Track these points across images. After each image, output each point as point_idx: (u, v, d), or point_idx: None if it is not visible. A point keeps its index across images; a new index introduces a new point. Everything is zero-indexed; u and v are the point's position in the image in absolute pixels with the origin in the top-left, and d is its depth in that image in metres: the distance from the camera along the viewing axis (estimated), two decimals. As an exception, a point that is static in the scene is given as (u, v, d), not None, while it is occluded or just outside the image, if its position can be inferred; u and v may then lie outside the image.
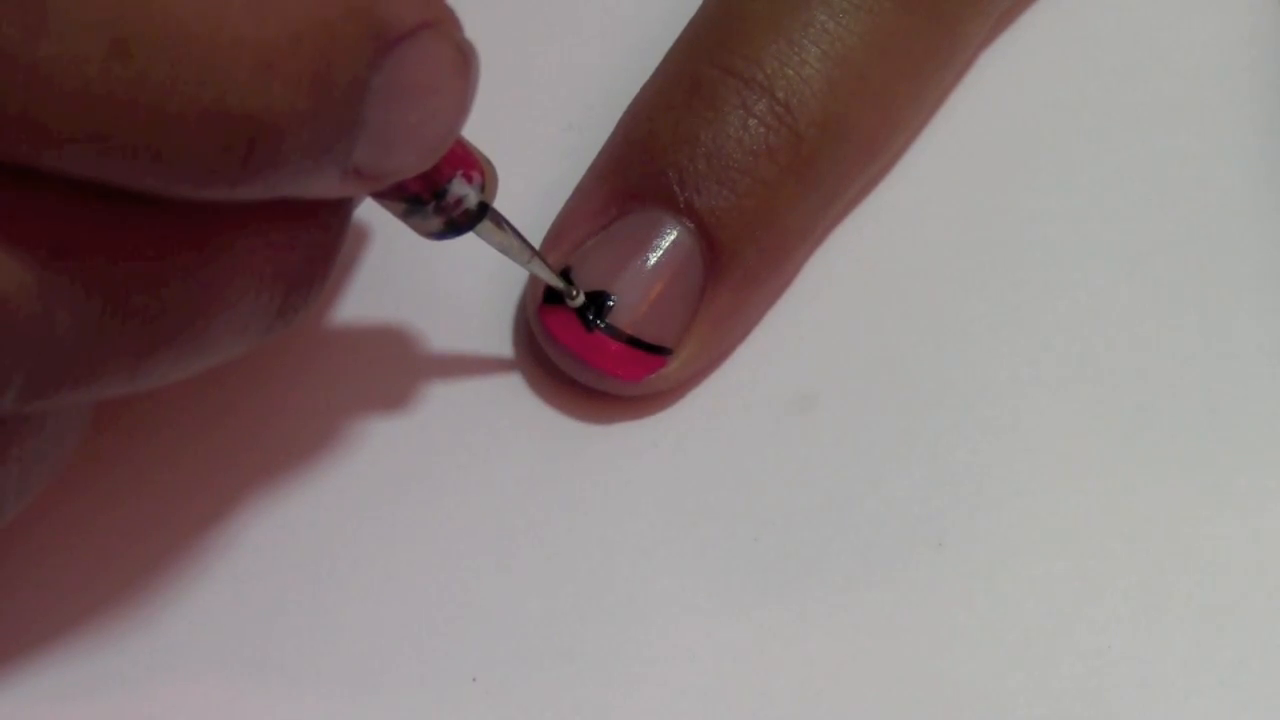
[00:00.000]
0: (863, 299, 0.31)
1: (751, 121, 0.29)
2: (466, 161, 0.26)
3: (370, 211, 0.31)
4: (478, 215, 0.27)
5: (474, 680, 0.28)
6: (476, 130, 0.32)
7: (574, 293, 0.29)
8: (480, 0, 0.33)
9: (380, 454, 0.30)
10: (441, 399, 0.30)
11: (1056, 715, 0.28)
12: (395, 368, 0.30)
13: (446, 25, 0.23)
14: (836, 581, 0.29)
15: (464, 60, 0.23)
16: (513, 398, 0.30)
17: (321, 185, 0.23)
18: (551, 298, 0.29)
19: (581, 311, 0.29)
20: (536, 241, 0.30)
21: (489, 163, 0.27)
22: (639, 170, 0.29)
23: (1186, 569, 0.29)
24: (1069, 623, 0.29)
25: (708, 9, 0.31)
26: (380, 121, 0.22)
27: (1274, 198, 0.32)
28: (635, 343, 0.29)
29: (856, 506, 0.29)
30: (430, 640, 0.28)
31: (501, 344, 0.31)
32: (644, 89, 0.31)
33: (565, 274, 0.29)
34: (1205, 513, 0.29)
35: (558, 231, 0.30)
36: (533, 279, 0.30)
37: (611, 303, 0.29)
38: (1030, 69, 0.33)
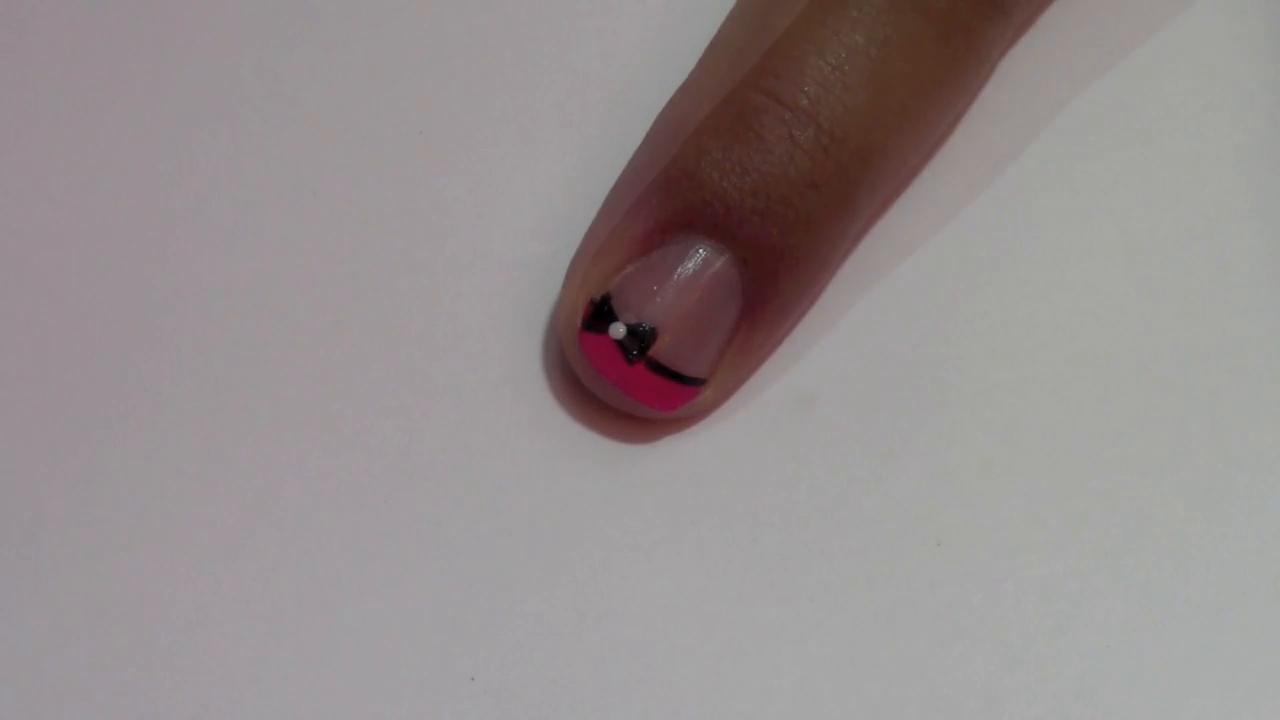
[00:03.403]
0: (862, 299, 0.31)
1: (798, 153, 0.29)
2: None
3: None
4: None
5: (473, 680, 0.28)
6: (477, 129, 0.32)
7: None
8: (482, 0, 0.33)
9: (378, 452, 0.30)
10: (439, 398, 0.30)
11: (1056, 715, 0.28)
12: (394, 365, 0.30)
13: None
14: (835, 581, 0.29)
15: None
16: (510, 396, 0.30)
17: None
18: (592, 325, 0.29)
19: (622, 343, 0.29)
20: (567, 258, 0.30)
21: None
22: (685, 198, 0.29)
23: (1186, 569, 0.29)
24: (1068, 622, 0.29)
25: (742, 25, 0.30)
26: None
27: (1274, 198, 0.32)
28: (671, 373, 0.29)
29: (855, 506, 0.29)
30: (429, 640, 0.28)
31: (504, 344, 0.31)
32: (682, 106, 0.30)
33: (605, 299, 0.29)
34: (1205, 513, 0.29)
35: (599, 252, 0.30)
36: (563, 298, 0.30)
37: (652, 333, 0.29)
38: (1030, 72, 0.33)
